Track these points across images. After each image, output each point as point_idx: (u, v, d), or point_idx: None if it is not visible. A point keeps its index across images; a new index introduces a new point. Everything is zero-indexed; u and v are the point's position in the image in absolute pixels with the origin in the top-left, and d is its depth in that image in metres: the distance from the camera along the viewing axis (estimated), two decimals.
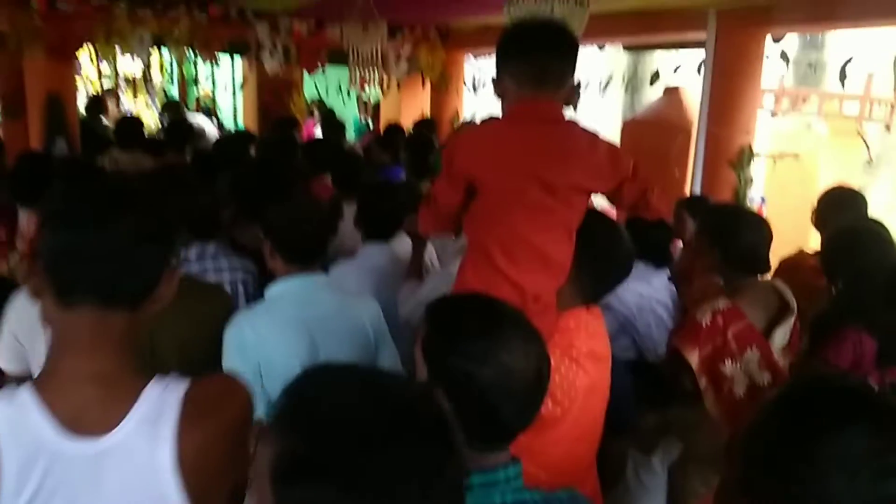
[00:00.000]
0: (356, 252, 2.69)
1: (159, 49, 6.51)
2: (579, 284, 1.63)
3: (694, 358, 2.02)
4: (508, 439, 1.12)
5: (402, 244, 2.67)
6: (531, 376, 1.08)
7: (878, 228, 2.54)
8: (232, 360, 1.80)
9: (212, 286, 2.17)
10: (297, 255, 1.93)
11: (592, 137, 1.68)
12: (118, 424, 0.94)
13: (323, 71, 6.63)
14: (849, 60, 4.55)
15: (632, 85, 9.28)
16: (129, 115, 7.21)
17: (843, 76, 4.54)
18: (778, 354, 2.11)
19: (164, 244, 1.00)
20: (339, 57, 6.14)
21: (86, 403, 0.94)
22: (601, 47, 6.13)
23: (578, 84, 1.71)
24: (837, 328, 2.28)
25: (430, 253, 2.80)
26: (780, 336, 2.14)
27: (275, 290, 1.92)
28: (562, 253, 1.61)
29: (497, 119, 1.76)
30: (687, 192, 4.71)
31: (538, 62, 1.62)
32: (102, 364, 0.95)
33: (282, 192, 2.12)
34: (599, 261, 1.65)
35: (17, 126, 5.47)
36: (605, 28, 5.08)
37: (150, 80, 10.78)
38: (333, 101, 9.57)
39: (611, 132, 8.68)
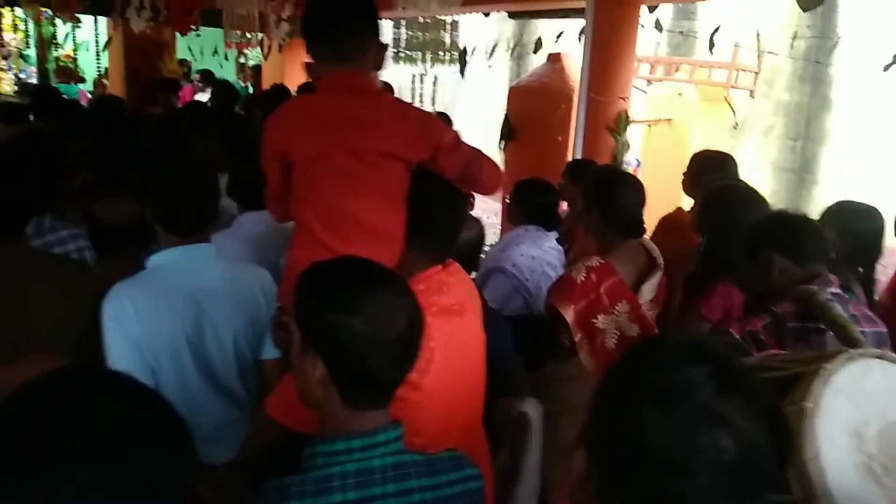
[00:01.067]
0: (231, 223, 2.58)
1: (12, 7, 5.95)
2: (419, 249, 1.65)
3: (569, 313, 2.12)
4: (385, 397, 1.12)
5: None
6: (402, 326, 1.08)
7: (747, 187, 2.69)
8: (111, 334, 1.70)
9: (74, 260, 2.02)
10: (181, 224, 1.81)
11: (403, 106, 1.73)
12: None
13: (197, 32, 6.28)
14: (716, 30, 4.78)
15: (518, 52, 9.39)
16: None
17: (711, 45, 4.77)
18: (646, 308, 2.23)
19: None
20: (214, 18, 5.85)
21: None
22: (486, 14, 6.15)
23: (384, 45, 1.76)
24: (707, 282, 2.42)
25: None
26: (648, 290, 2.27)
27: (156, 260, 1.81)
28: (386, 221, 1.63)
29: (307, 94, 1.76)
30: (570, 157, 4.84)
31: (336, 41, 1.67)
32: None
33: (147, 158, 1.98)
34: (432, 221, 1.67)
35: None
36: None
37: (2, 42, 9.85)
38: (209, 64, 9.09)
39: (498, 99, 8.77)
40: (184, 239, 1.81)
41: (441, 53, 7.05)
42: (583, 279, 2.14)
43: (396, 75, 6.47)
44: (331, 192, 1.62)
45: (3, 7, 5.17)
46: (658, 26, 4.84)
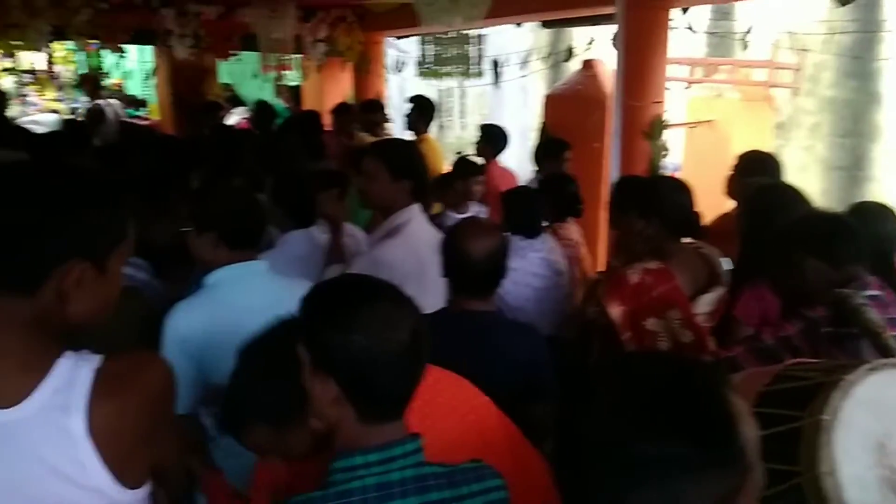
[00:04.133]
0: (275, 241, 2.66)
1: (62, 41, 6.22)
2: None
3: (616, 311, 2.11)
4: (398, 409, 1.12)
5: (323, 231, 2.66)
6: (404, 337, 1.09)
7: (791, 189, 2.62)
8: (170, 350, 1.77)
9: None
10: (240, 242, 1.91)
11: None
12: (29, 396, 0.98)
13: (237, 57, 6.47)
14: (749, 30, 4.69)
15: (553, 61, 9.36)
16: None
17: (745, 44, 4.68)
18: (702, 319, 2.20)
19: (42, 236, 0.98)
20: (252, 43, 6.01)
21: None
22: (518, 25, 6.16)
23: None
24: (744, 286, 2.37)
25: (361, 238, 2.78)
26: (705, 302, 2.24)
27: (215, 278, 1.89)
28: None
29: None
30: (606, 164, 4.80)
31: None
32: (11, 342, 0.99)
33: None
34: None
35: None
36: (518, 6, 5.12)
37: (57, 74, 10.30)
38: (250, 87, 9.31)
39: (534, 108, 8.74)
40: (237, 257, 1.89)
41: (469, 67, 7.08)
42: (636, 280, 2.13)
43: (425, 91, 6.53)
44: None
45: (55, 41, 5.38)
46: (693, 28, 4.77)
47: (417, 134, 5.15)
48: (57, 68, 10.64)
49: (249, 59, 7.61)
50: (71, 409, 0.99)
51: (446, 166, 4.79)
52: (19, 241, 0.97)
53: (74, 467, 0.99)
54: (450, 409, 1.51)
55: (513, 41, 8.66)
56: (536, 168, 4.20)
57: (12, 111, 7.85)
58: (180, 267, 2.32)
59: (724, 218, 3.23)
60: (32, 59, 10.40)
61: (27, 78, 11.16)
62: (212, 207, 1.93)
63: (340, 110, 5.41)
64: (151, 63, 8.26)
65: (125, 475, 1.03)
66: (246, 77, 9.31)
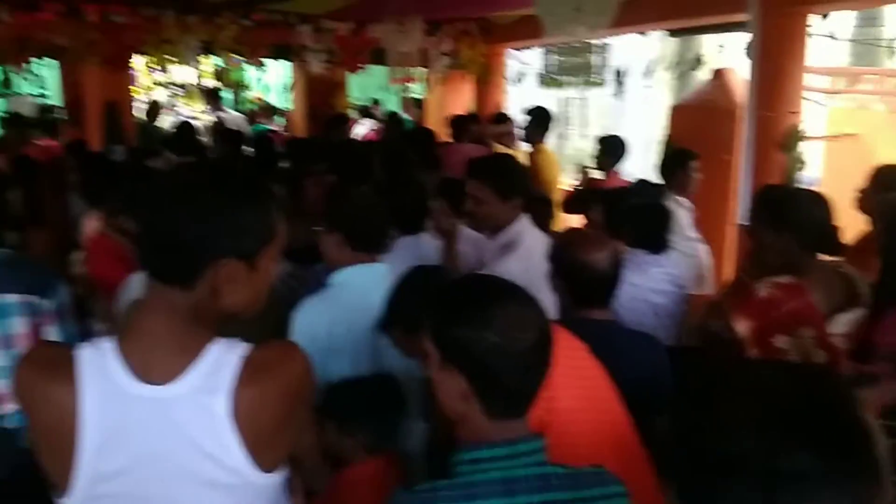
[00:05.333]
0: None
1: (209, 56, 6.72)
2: None
3: (743, 327, 2.03)
4: (523, 406, 1.15)
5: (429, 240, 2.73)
6: (532, 336, 1.11)
7: None
8: (299, 340, 1.89)
9: None
10: (367, 245, 2.03)
11: None
12: (181, 376, 1.06)
13: (366, 71, 6.75)
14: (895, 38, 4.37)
15: (680, 69, 9.09)
16: (184, 120, 7.49)
17: (894, 52, 4.36)
18: (838, 341, 2.08)
19: (199, 236, 1.06)
20: (381, 57, 6.26)
21: (155, 357, 1.07)
22: (643, 34, 6.04)
23: None
24: (882, 307, 2.22)
25: (479, 238, 2.81)
26: (842, 322, 2.12)
27: (341, 278, 2.01)
28: None
29: None
30: (736, 176, 4.60)
31: None
32: (170, 327, 1.08)
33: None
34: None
35: (77, 133, 5.74)
36: (645, 14, 5.02)
37: (205, 86, 11.10)
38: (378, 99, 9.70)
39: (658, 118, 8.52)
40: (360, 258, 2.01)
41: (591, 77, 7.01)
42: (765, 295, 2.05)
43: (546, 101, 6.50)
44: None
45: (202, 55, 5.84)
46: (834, 36, 4.50)
47: (533, 145, 5.15)
48: (205, 82, 11.49)
49: (376, 72, 7.92)
50: (217, 391, 1.06)
51: (562, 177, 4.76)
52: (181, 241, 1.06)
53: (216, 446, 1.06)
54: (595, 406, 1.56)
55: (638, 50, 8.50)
56: (663, 180, 4.11)
57: (164, 121, 8.55)
58: (311, 264, 2.46)
59: (866, 235, 3.03)
60: (183, 73, 11.29)
61: (178, 91, 12.15)
62: (340, 209, 2.05)
63: (460, 121, 5.51)
64: (289, 77, 8.76)
65: (262, 458, 1.09)
66: (374, 90, 9.70)
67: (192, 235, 1.06)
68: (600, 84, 6.93)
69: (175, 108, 11.14)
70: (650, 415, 1.73)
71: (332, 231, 2.02)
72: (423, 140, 4.75)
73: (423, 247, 2.68)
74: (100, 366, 1.06)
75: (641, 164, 7.49)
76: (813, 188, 5.37)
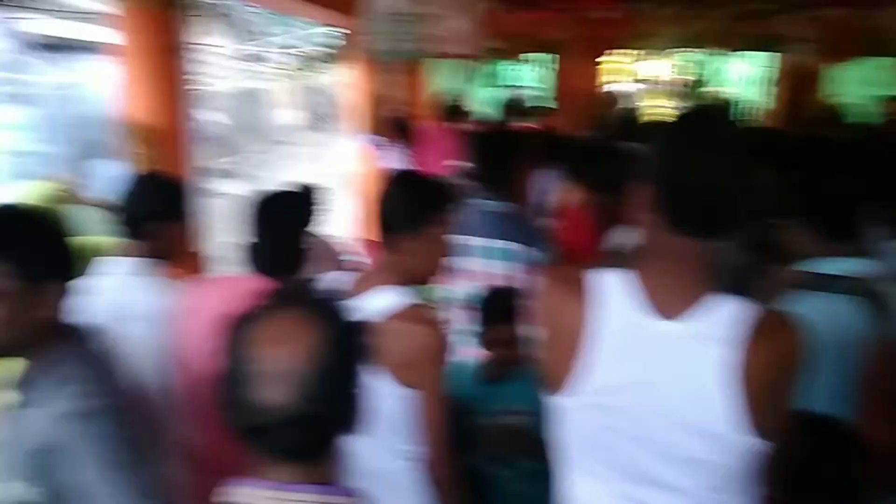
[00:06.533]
0: None
1: (683, 50, 6.76)
2: None
3: None
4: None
5: None
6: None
7: None
8: None
9: None
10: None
11: None
12: (693, 317, 1.11)
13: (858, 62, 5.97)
14: None
15: None
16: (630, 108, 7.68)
17: None
18: None
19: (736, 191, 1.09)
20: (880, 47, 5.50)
21: (671, 294, 1.13)
22: None
23: None
24: None
25: None
26: None
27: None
28: None
29: None
30: None
31: None
32: (687, 271, 1.12)
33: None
34: None
35: (559, 121, 6.43)
36: None
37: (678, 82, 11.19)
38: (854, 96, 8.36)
39: None
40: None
41: None
42: None
43: None
44: None
45: (673, 49, 5.94)
46: None
47: None
48: (677, 77, 11.55)
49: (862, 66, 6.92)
50: (728, 341, 1.07)
51: None
52: (722, 197, 1.09)
53: (713, 393, 1.08)
54: None
55: None
56: None
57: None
58: None
59: None
60: (654, 69, 11.57)
61: (644, 87, 12.50)
62: None
63: None
64: (762, 70, 8.20)
65: (754, 419, 1.08)
66: (854, 85, 8.46)
67: (732, 192, 1.09)
68: None
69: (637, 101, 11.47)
70: None
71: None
72: None
73: None
74: (619, 291, 1.15)
75: None
76: None
